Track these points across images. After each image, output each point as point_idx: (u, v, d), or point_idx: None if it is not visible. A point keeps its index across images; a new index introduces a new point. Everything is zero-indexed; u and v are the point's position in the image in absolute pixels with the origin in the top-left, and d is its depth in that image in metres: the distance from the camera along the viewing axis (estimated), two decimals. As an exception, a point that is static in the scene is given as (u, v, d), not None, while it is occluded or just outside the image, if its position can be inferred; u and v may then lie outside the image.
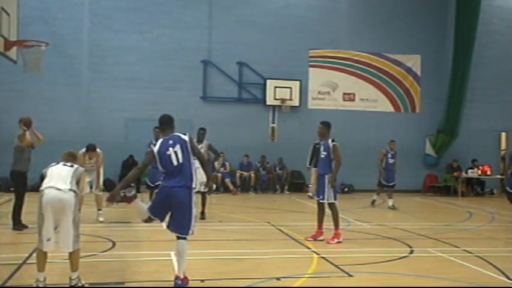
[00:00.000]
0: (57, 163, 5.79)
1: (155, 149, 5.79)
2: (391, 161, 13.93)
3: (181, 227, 5.66)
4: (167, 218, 5.84)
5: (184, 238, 5.69)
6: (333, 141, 8.82)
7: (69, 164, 5.77)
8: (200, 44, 18.00)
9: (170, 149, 5.73)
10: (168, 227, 5.78)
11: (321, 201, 8.91)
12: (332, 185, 8.69)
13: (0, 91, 16.46)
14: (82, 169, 5.86)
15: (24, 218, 9.28)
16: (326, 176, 8.78)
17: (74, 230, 5.43)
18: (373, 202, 14.16)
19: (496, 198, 18.72)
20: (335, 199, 8.82)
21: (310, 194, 15.29)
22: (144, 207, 5.95)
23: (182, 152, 5.73)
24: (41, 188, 5.48)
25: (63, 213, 5.37)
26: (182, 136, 5.84)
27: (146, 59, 17.66)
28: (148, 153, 5.96)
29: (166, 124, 6.00)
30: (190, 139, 5.86)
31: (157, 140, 6.00)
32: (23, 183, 9.35)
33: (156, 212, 5.82)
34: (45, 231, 5.37)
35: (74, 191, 5.49)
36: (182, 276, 5.68)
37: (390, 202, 13.83)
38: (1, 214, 10.82)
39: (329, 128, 8.94)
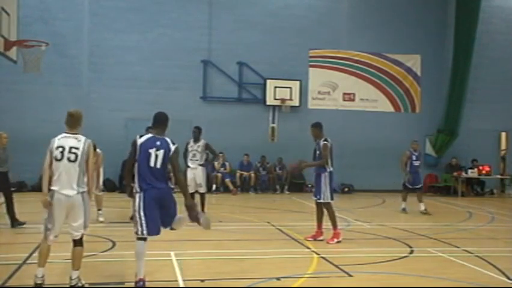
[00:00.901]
0: (62, 148, 5.49)
1: (140, 140, 5.62)
2: (416, 163, 13.02)
3: (172, 219, 5.75)
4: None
5: None
6: (325, 140, 8.81)
7: (73, 156, 5.46)
8: (200, 44, 18.00)
9: (154, 149, 5.57)
10: (165, 227, 5.76)
11: (318, 201, 8.92)
12: (292, 169, 8.83)
13: (0, 91, 16.45)
14: (88, 143, 5.57)
15: (24, 218, 9.28)
16: (322, 175, 8.78)
17: (85, 217, 5.59)
18: (404, 209, 12.91)
19: (496, 198, 18.73)
20: (332, 199, 8.83)
21: None
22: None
23: (163, 158, 5.58)
24: (51, 187, 5.48)
25: (74, 209, 5.50)
26: (171, 144, 5.67)
27: (146, 59, 17.67)
28: (132, 145, 5.69)
29: (161, 122, 5.80)
30: (175, 151, 5.68)
31: None
32: (2, 183, 9.22)
33: (153, 227, 5.54)
34: (54, 227, 5.46)
35: (82, 192, 5.52)
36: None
37: (422, 206, 12.74)
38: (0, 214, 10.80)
39: (320, 128, 8.95)
